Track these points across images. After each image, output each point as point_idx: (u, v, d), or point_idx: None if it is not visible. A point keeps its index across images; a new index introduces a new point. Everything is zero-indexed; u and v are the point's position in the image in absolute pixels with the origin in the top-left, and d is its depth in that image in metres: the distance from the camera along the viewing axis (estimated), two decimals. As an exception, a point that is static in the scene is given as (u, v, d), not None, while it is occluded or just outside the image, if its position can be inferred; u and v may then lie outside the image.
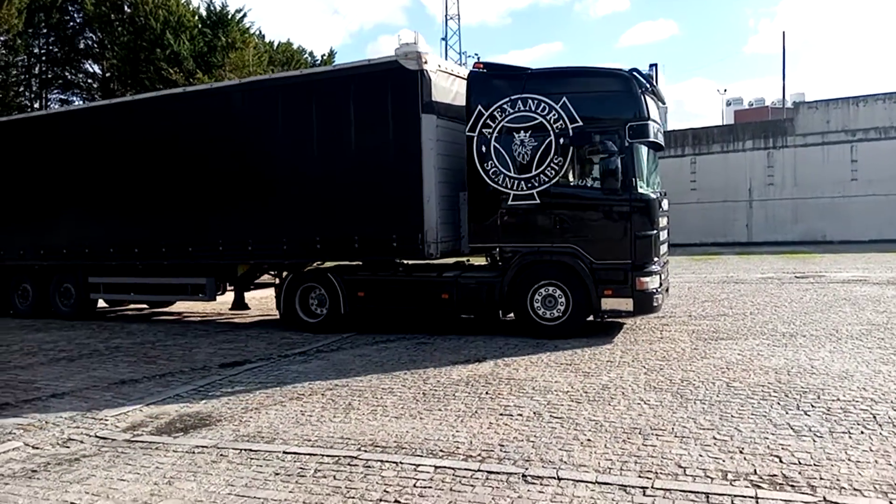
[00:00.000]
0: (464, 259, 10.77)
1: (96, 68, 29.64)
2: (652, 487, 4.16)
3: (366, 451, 5.01)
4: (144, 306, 14.96)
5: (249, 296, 13.35)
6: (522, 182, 9.30)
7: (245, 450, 5.15)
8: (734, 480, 4.24)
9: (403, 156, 9.71)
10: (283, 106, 10.80)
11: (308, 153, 10.55)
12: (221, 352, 9.42)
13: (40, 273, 13.64)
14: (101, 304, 14.60)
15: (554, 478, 4.36)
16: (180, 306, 14.85)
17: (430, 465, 4.63)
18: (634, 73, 9.08)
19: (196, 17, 28.47)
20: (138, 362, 8.94)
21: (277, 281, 11.58)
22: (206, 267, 11.71)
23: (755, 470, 4.40)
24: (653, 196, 9.15)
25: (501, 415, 5.81)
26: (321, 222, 10.47)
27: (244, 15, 29.27)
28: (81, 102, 26.76)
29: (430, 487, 4.27)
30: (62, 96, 28.69)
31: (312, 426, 5.72)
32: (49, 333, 11.78)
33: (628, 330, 9.91)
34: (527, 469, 4.51)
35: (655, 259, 9.06)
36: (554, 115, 9.12)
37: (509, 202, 9.39)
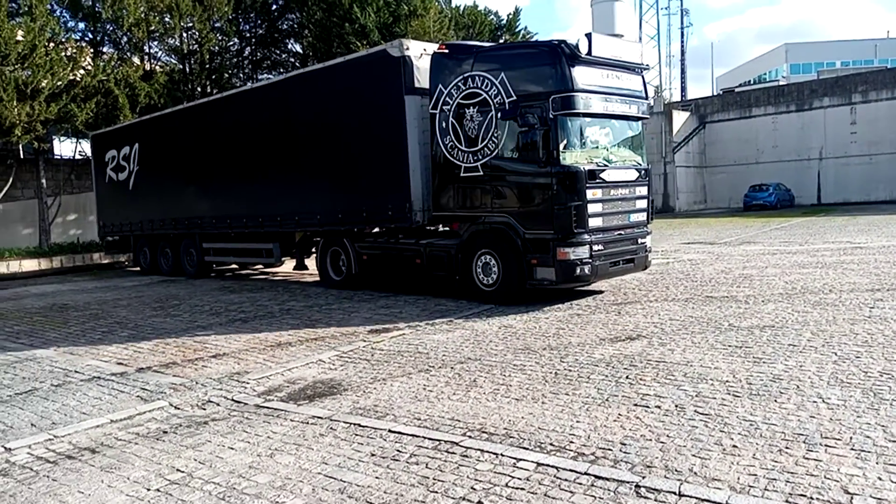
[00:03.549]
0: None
1: (297, 47, 31.92)
2: (800, 519, 3.25)
3: (470, 436, 4.61)
4: (259, 266, 17.36)
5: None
6: (471, 155, 10.02)
7: (354, 424, 5.02)
8: (923, 522, 3.19)
9: (392, 134, 10.99)
10: (306, 99, 12.82)
11: (330, 138, 12.35)
12: (376, 317, 9.56)
13: (174, 240, 17.08)
14: (233, 266, 17.40)
15: (674, 493, 3.61)
16: (278, 268, 16.71)
17: (533, 462, 4.10)
18: (561, 46, 9.16)
19: (380, -12, 29.21)
20: (300, 325, 9.37)
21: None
22: (273, 234, 14.18)
23: (959, 509, 3.28)
24: (581, 168, 9.16)
25: (636, 405, 5.06)
26: (341, 197, 12.28)
27: (424, -20, 29.47)
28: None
29: (521, 489, 3.75)
30: (270, 76, 31.30)
31: (429, 402, 5.44)
32: (240, 295, 12.92)
33: (829, 305, 8.37)
34: (643, 478, 3.80)
35: (581, 230, 9.15)
36: (494, 90, 9.67)
37: (461, 174, 10.20)
